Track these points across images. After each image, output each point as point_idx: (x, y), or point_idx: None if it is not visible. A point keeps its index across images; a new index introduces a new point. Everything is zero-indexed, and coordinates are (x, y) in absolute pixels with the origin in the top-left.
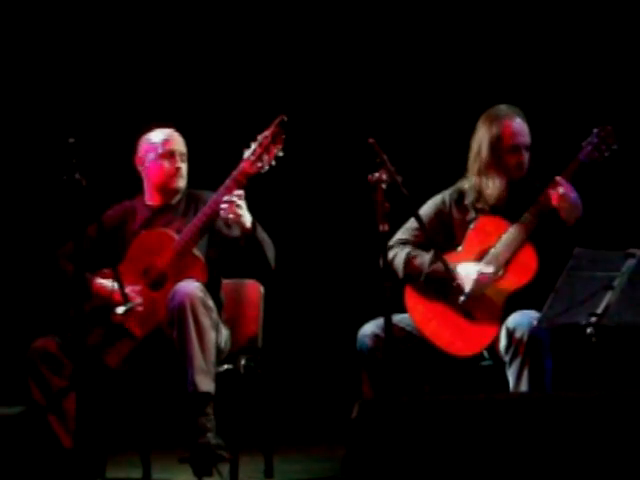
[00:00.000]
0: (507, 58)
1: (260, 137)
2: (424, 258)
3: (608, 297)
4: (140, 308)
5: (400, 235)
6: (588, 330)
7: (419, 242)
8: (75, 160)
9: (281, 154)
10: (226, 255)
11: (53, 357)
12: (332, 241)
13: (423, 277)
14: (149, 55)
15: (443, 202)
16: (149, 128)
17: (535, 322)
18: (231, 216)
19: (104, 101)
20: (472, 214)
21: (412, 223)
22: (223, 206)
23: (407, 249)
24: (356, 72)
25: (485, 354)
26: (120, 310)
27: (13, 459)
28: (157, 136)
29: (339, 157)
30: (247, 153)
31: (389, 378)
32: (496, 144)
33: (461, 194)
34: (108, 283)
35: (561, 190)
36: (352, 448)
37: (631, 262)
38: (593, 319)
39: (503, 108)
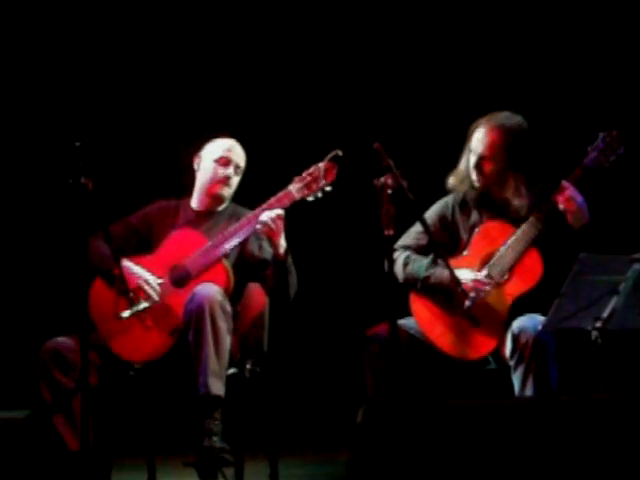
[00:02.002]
0: (513, 63)
1: (313, 167)
2: (421, 263)
3: (613, 302)
4: (146, 304)
5: (404, 240)
6: (593, 335)
7: (423, 246)
8: (81, 164)
9: (329, 189)
10: (249, 275)
11: (64, 358)
12: (338, 245)
13: (419, 283)
14: (160, 59)
15: (446, 206)
16: (217, 135)
17: (540, 326)
18: (266, 229)
19: (111, 105)
20: (475, 216)
21: (417, 227)
22: (262, 219)
23: (406, 254)
24: (361, 77)
25: (490, 358)
26: (125, 314)
27: (19, 462)
28: (222, 143)
29: (345, 161)
30: (297, 178)
31: (394, 382)
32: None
33: (464, 196)
34: (137, 270)
35: (567, 194)
36: (357, 452)
37: (636, 267)
38: (598, 324)
39: (484, 116)
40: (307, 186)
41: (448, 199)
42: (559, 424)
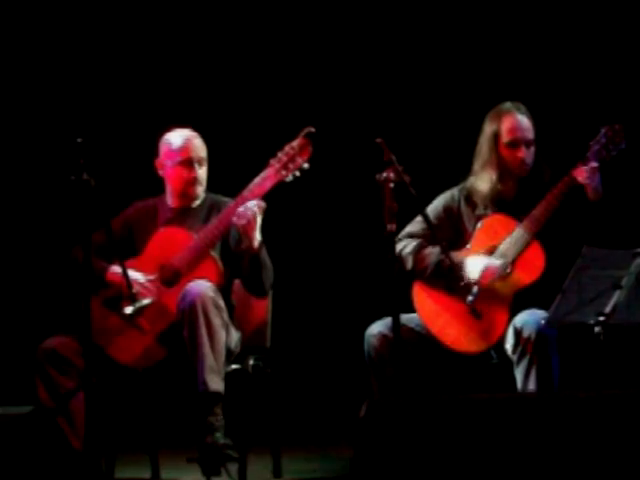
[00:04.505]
0: (515, 56)
1: (287, 147)
2: (433, 251)
3: (616, 296)
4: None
5: (409, 228)
6: (596, 329)
7: (429, 235)
8: (83, 160)
9: (306, 166)
10: (231, 266)
11: (61, 358)
12: (340, 240)
13: (430, 269)
14: (160, 54)
15: (452, 198)
16: (169, 129)
17: (543, 321)
18: (243, 222)
19: (112, 101)
20: (481, 210)
21: (421, 218)
22: (240, 211)
23: (417, 241)
24: (363, 71)
25: (492, 353)
26: (128, 310)
27: (22, 459)
28: (175, 141)
29: (347, 156)
30: (272, 161)
31: (396, 377)
32: (494, 140)
33: (470, 191)
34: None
35: (592, 165)
36: (360, 447)
37: (639, 261)
38: (601, 318)
39: (506, 105)
40: (284, 167)
41: (454, 191)
42: (561, 419)
